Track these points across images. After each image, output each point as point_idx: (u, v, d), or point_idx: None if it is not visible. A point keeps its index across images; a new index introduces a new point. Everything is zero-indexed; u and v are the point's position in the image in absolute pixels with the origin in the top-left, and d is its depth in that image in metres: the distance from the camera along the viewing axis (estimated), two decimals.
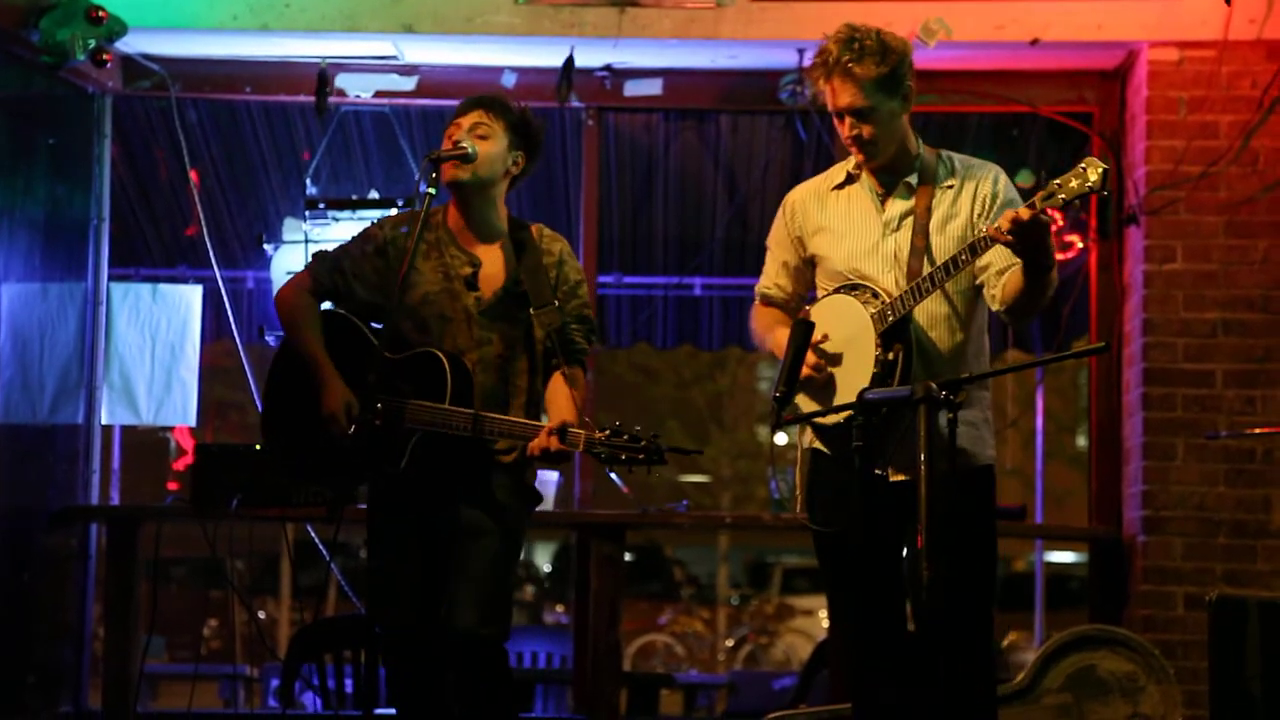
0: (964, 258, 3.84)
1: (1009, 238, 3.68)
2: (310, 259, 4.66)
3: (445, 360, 4.36)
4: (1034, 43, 6.16)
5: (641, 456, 4.20)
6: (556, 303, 4.45)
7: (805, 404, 4.08)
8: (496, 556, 4.41)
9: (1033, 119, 6.58)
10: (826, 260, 4.12)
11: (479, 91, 6.28)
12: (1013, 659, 10.79)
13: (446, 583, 4.46)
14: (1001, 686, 5.33)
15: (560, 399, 4.42)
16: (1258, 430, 5.89)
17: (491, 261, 4.50)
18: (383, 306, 4.46)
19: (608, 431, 4.23)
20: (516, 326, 4.47)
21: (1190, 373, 6.14)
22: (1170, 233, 6.18)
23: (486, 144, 4.47)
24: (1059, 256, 6.51)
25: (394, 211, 6.56)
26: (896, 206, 4.04)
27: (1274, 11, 6.06)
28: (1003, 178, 4.05)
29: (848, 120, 3.97)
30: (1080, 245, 6.61)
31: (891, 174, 4.06)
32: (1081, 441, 17.20)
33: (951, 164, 4.07)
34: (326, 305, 4.57)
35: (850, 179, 4.12)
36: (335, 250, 4.59)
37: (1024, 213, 3.66)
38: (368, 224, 6.53)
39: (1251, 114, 6.13)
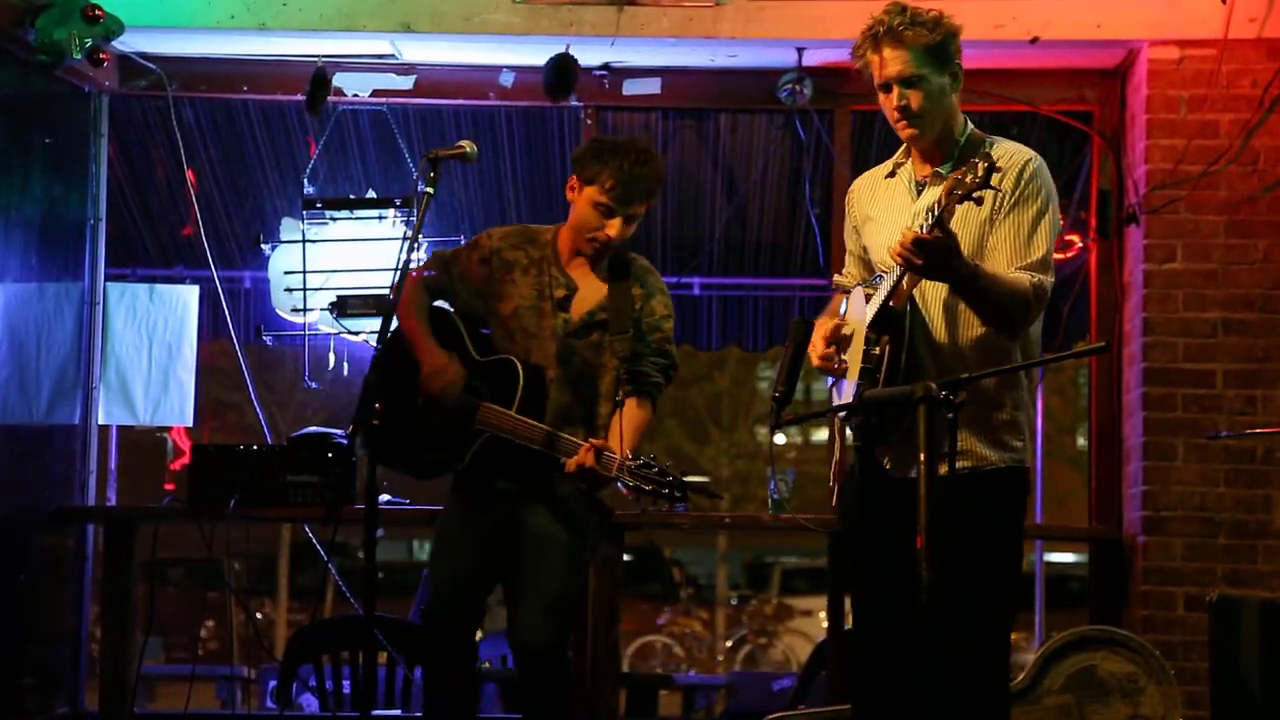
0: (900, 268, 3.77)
1: (900, 261, 3.65)
2: (430, 254, 4.94)
3: (520, 369, 4.54)
4: (1033, 41, 6.15)
5: (665, 492, 4.36)
6: (632, 332, 4.59)
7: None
8: (561, 566, 4.57)
9: (1032, 118, 6.55)
10: (869, 250, 4.08)
11: (476, 90, 6.34)
12: (1013, 659, 10.74)
13: (496, 585, 4.69)
14: None
15: (615, 426, 4.54)
16: (1258, 430, 5.88)
17: (587, 286, 4.66)
18: (481, 309, 4.69)
19: (640, 461, 4.38)
20: (599, 351, 4.61)
21: (1190, 372, 6.12)
22: (1170, 232, 6.16)
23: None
24: (1058, 256, 6.53)
25: (391, 212, 6.58)
26: (929, 196, 3.90)
27: (1274, 10, 6.04)
28: (1030, 169, 3.90)
29: (895, 90, 3.87)
30: (1080, 244, 6.59)
31: (931, 161, 3.96)
32: (1082, 442, 17.20)
33: (990, 151, 3.89)
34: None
35: (897, 167, 4.05)
36: (450, 251, 4.82)
37: (907, 235, 3.62)
38: (367, 222, 6.61)
39: (1252, 113, 6.12)
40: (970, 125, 4.00)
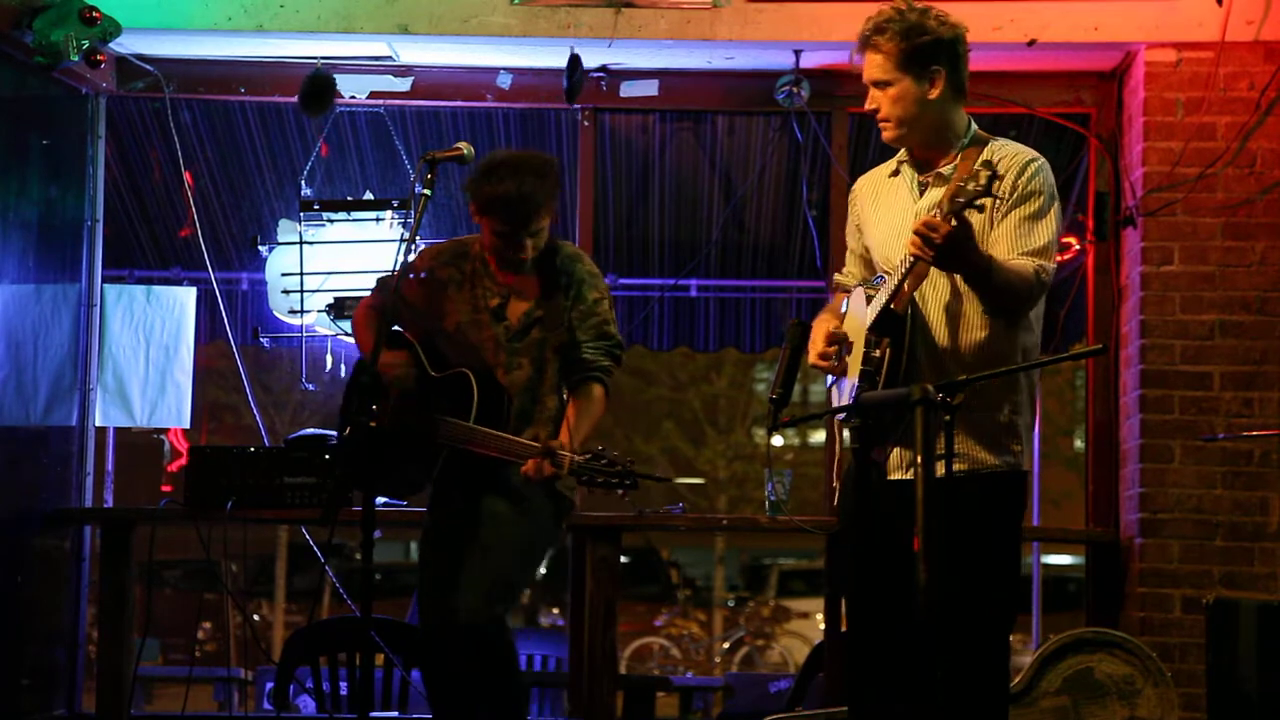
0: (908, 263, 3.77)
1: (916, 249, 3.64)
2: (376, 281, 4.99)
3: (474, 380, 4.63)
4: (1031, 44, 6.15)
5: (615, 480, 4.48)
6: (568, 325, 4.68)
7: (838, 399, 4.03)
8: (500, 544, 4.62)
9: (1029, 120, 6.55)
10: (870, 249, 4.07)
11: (474, 92, 6.36)
12: (1010, 661, 10.73)
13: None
14: None
15: (566, 419, 4.66)
16: (1255, 432, 5.88)
17: (520, 286, 4.74)
18: (428, 328, 4.77)
19: (589, 455, 4.49)
20: (543, 348, 4.72)
21: (1187, 375, 6.13)
22: (1167, 234, 6.16)
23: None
24: (1056, 258, 6.53)
25: (388, 214, 6.58)
26: (932, 197, 3.90)
27: (1271, 13, 6.05)
28: (1031, 168, 3.89)
29: (870, 93, 3.94)
30: (1077, 247, 6.59)
31: (929, 163, 3.95)
32: (1079, 444, 17.20)
33: (992, 154, 3.91)
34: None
35: (900, 165, 4.05)
36: (394, 273, 4.78)
37: (927, 219, 3.62)
38: (364, 223, 6.61)
39: (1249, 115, 6.12)
40: (974, 127, 3.99)
